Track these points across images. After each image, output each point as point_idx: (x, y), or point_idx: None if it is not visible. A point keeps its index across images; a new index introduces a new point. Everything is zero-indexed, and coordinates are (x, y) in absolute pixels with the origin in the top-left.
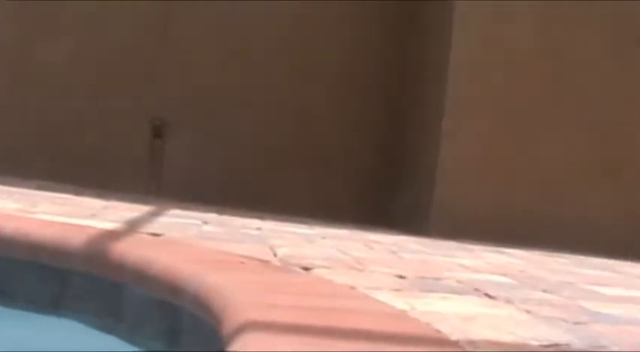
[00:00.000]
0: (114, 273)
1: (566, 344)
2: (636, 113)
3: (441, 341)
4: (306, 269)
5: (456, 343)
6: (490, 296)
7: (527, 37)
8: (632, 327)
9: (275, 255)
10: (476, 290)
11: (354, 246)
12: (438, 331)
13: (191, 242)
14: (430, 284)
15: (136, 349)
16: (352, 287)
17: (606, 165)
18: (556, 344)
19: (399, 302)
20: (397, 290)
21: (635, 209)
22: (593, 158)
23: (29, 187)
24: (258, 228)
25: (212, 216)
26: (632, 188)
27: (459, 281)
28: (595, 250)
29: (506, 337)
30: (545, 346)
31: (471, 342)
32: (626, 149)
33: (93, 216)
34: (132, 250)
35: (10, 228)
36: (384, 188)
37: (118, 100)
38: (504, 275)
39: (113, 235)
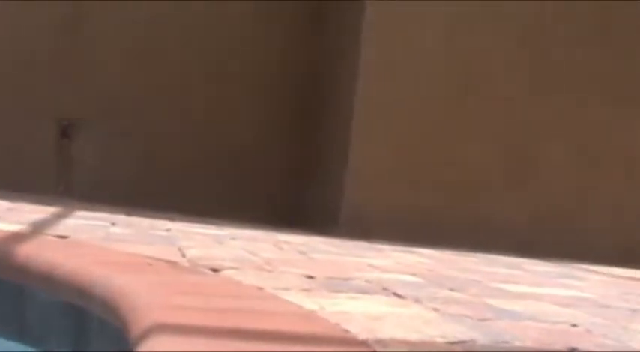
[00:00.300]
0: (18, 276)
1: (472, 341)
2: (541, 119)
3: (349, 341)
4: (215, 270)
5: (364, 342)
6: (399, 296)
7: (437, 40)
8: (534, 322)
9: (184, 256)
10: (384, 289)
11: (263, 247)
12: (347, 331)
13: (98, 244)
14: (339, 285)
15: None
16: (261, 288)
17: (513, 169)
18: (461, 341)
19: (307, 303)
20: (306, 290)
21: (539, 211)
22: (501, 162)
23: None
24: (168, 229)
25: (120, 218)
26: (536, 192)
27: (367, 281)
28: (503, 250)
29: (413, 335)
30: (452, 343)
31: (379, 341)
32: (532, 153)
33: None
34: (37, 252)
35: None
36: (296, 188)
37: (25, 100)
38: (413, 274)
39: (18, 237)
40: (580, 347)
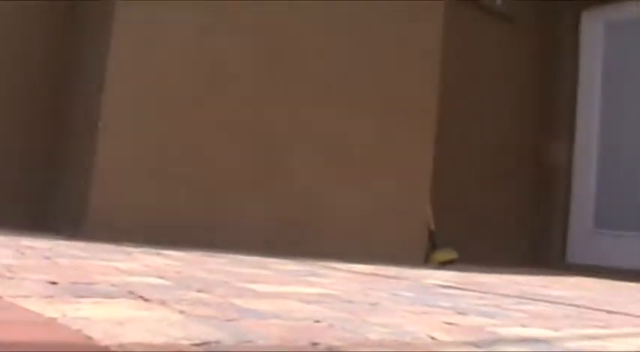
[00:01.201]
0: None
1: (216, 342)
2: (289, 122)
3: (91, 347)
4: None
5: (106, 348)
6: (145, 299)
7: (187, 40)
8: (278, 320)
9: None
10: (130, 293)
11: (4, 253)
12: (89, 337)
13: None
14: (83, 290)
15: None
16: None
17: (261, 171)
18: (206, 342)
19: (49, 310)
20: (48, 297)
21: (285, 212)
22: (248, 163)
23: None
24: None
25: None
26: (282, 193)
27: (113, 285)
28: (251, 251)
29: (158, 338)
30: (196, 345)
31: (122, 346)
32: (280, 156)
33: None
34: None
35: None
36: (43, 191)
37: None
38: (161, 277)
39: None
40: (321, 341)
